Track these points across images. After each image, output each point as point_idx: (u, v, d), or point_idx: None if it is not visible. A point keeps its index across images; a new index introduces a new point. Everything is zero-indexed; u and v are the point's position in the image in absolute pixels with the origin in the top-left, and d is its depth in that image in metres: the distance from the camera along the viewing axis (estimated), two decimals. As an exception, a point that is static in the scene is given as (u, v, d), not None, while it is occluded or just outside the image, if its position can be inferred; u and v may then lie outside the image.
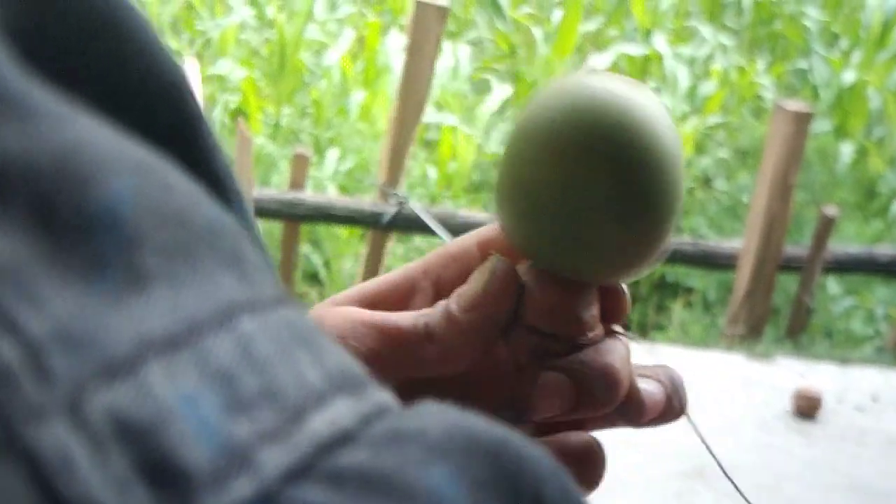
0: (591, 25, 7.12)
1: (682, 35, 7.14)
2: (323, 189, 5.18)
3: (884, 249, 3.80)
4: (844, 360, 2.71)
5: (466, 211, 3.90)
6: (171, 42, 6.05)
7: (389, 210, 3.33)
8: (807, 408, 2.34)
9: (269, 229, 4.25)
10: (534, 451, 0.20)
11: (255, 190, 3.25)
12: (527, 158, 0.37)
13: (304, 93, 6.19)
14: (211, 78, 5.94)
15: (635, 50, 6.38)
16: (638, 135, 0.36)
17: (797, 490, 2.11)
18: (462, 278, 0.43)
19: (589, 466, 0.41)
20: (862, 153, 6.03)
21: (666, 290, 5.57)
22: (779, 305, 4.01)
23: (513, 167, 0.38)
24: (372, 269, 3.49)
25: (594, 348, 0.40)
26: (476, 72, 6.62)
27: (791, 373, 2.52)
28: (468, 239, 0.45)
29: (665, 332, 4.92)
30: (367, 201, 3.51)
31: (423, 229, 3.38)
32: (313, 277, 5.01)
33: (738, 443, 2.23)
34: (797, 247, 3.66)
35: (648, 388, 0.42)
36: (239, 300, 0.19)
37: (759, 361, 2.62)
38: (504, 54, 6.52)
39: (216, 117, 5.57)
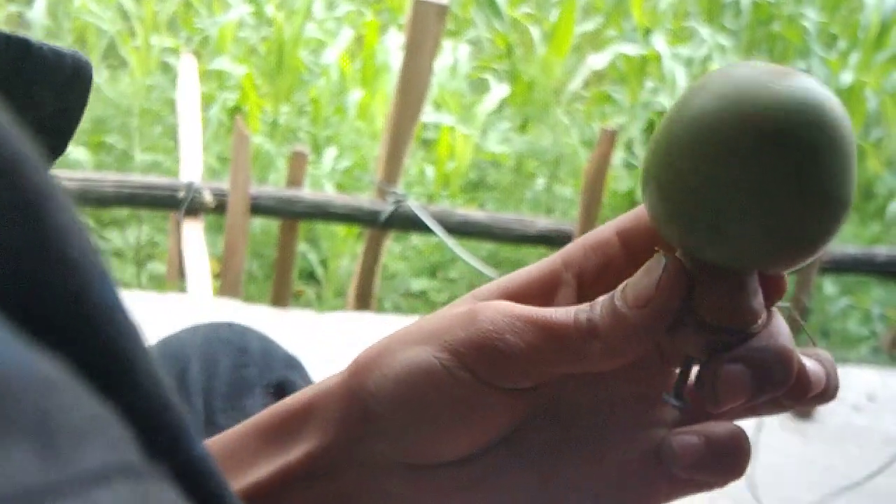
0: (589, 25, 7.12)
1: (681, 35, 7.14)
2: (321, 187, 5.18)
3: (881, 250, 3.81)
4: (841, 360, 2.71)
5: (464, 209, 3.90)
6: (169, 39, 6.05)
7: (387, 208, 3.33)
8: (802, 408, 2.34)
9: (267, 227, 4.25)
10: None
11: (252, 187, 3.25)
12: (690, 152, 0.37)
13: (303, 91, 6.19)
14: (209, 75, 5.94)
15: (633, 50, 6.38)
16: (819, 131, 0.35)
17: (793, 489, 2.11)
18: (604, 269, 0.43)
19: (734, 455, 0.42)
20: (859, 155, 6.03)
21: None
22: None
23: (671, 159, 0.37)
24: (369, 267, 3.49)
25: (766, 333, 0.40)
26: (474, 71, 6.62)
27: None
28: (606, 229, 0.45)
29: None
30: (365, 199, 3.51)
31: (421, 227, 3.38)
32: (311, 276, 5.01)
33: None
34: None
35: (811, 366, 0.42)
36: (34, 484, 0.16)
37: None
38: (502, 53, 6.52)
39: (214, 115, 5.57)
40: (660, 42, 6.44)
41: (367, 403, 0.42)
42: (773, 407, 0.44)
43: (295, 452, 0.42)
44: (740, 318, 0.40)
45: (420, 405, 0.41)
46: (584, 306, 0.41)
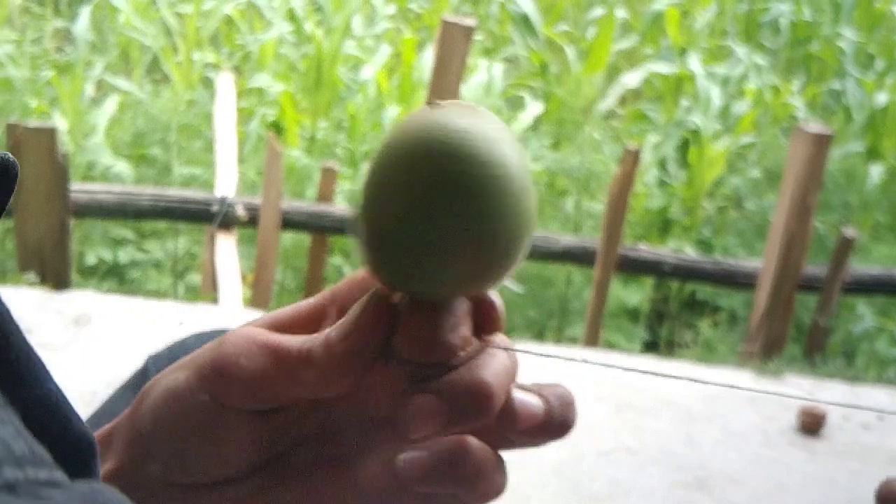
0: (625, 44, 7.18)
1: (717, 54, 7.18)
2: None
3: (903, 270, 3.83)
4: (854, 379, 2.75)
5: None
6: (211, 55, 6.18)
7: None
8: (811, 424, 2.38)
9: (300, 240, 4.34)
10: None
11: (284, 202, 3.34)
12: (375, 196, 0.39)
13: (340, 107, 6.29)
14: (249, 91, 6.06)
15: (667, 69, 6.43)
16: (482, 167, 0.37)
17: (795, 502, 2.16)
18: None
19: (457, 465, 0.41)
20: (893, 174, 6.03)
21: (695, 308, 5.61)
22: (803, 325, 4.04)
23: (364, 205, 0.39)
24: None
25: (466, 366, 0.41)
26: (509, 89, 6.69)
27: (799, 390, 2.57)
28: None
29: (690, 350, 4.95)
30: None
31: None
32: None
33: (740, 455, 2.28)
34: (819, 267, 3.69)
35: (526, 399, 0.43)
36: None
37: (768, 379, 2.66)
38: (536, 71, 6.59)
39: (253, 129, 5.68)
40: (694, 61, 6.48)
41: (139, 428, 0.44)
42: (508, 442, 0.43)
43: (101, 474, 0.44)
44: (434, 353, 0.41)
45: (173, 428, 0.43)
46: (314, 336, 0.43)
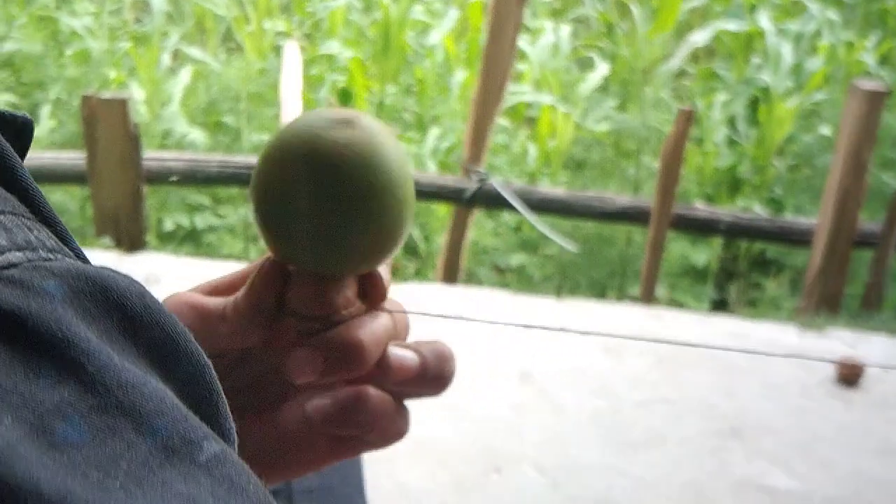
0: (695, 2, 7.14)
1: (790, 10, 7.09)
2: (424, 166, 5.37)
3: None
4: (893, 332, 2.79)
5: (546, 187, 4.05)
6: (282, 24, 6.31)
7: (471, 186, 3.50)
8: (849, 376, 2.43)
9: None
10: (123, 281, 0.31)
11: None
12: (265, 188, 0.44)
13: (409, 72, 6.38)
14: (319, 58, 6.19)
15: (736, 26, 6.39)
16: (358, 162, 0.43)
17: (829, 451, 2.22)
18: None
19: (354, 410, 0.47)
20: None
21: (764, 266, 5.63)
22: (861, 281, 4.04)
23: (256, 194, 0.45)
24: (456, 242, 3.67)
25: (345, 324, 0.46)
26: (577, 50, 6.72)
27: (841, 344, 2.61)
28: None
29: (756, 307, 4.98)
30: (450, 178, 3.69)
31: (505, 204, 3.54)
32: (413, 252, 5.21)
33: (777, 406, 2.35)
34: (876, 224, 3.69)
35: (401, 353, 0.48)
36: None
37: (812, 332, 2.71)
38: (604, 33, 6.61)
39: (323, 96, 5.81)
40: (764, 18, 6.42)
41: None
42: (407, 391, 0.49)
43: None
44: (318, 310, 0.46)
45: None
46: (230, 297, 0.49)
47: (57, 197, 4.36)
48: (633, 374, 2.41)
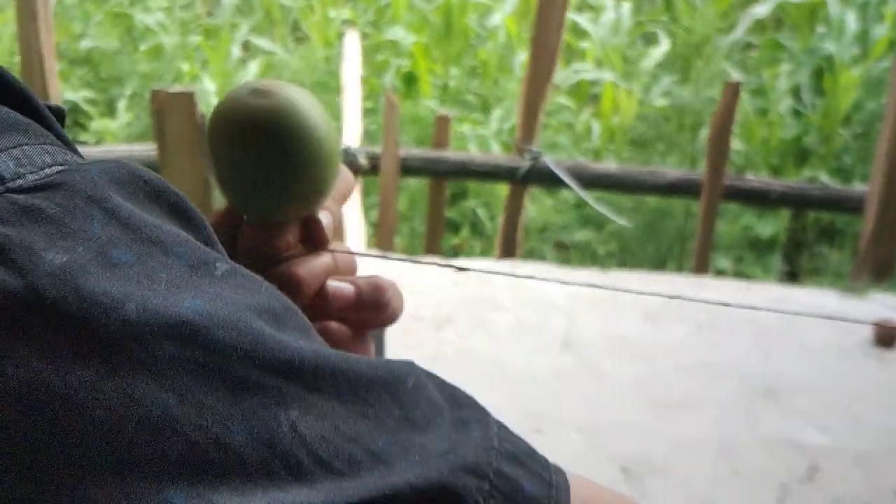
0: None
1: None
2: (488, 148, 5.48)
3: None
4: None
5: (598, 164, 4.14)
6: (347, 12, 6.46)
7: (524, 165, 3.61)
8: (885, 337, 2.50)
9: (418, 185, 4.59)
10: (142, 168, 0.40)
11: (401, 150, 3.60)
12: (214, 151, 0.51)
13: (472, 54, 6.49)
14: (384, 44, 6.33)
15: (797, -3, 6.38)
16: (269, 126, 0.50)
17: (863, 408, 2.29)
18: None
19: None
20: None
21: (832, 235, 5.65)
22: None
23: (212, 156, 0.51)
24: (512, 219, 3.79)
25: (287, 263, 0.53)
26: (640, 25, 6.76)
27: (882, 307, 2.68)
28: None
29: (822, 277, 5.01)
30: (503, 157, 3.81)
31: (558, 182, 3.64)
32: (481, 231, 5.34)
33: (813, 367, 2.43)
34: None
35: (339, 285, 0.55)
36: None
37: (852, 297, 2.78)
38: (662, 8, 6.64)
39: (388, 81, 5.95)
40: (827, -13, 6.41)
41: None
42: (360, 323, 0.56)
43: None
44: (261, 250, 0.53)
45: None
46: None
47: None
48: (673, 340, 2.51)
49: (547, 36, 3.50)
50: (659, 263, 4.71)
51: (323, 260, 0.55)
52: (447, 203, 5.30)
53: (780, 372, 2.40)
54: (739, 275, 4.90)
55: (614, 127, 6.08)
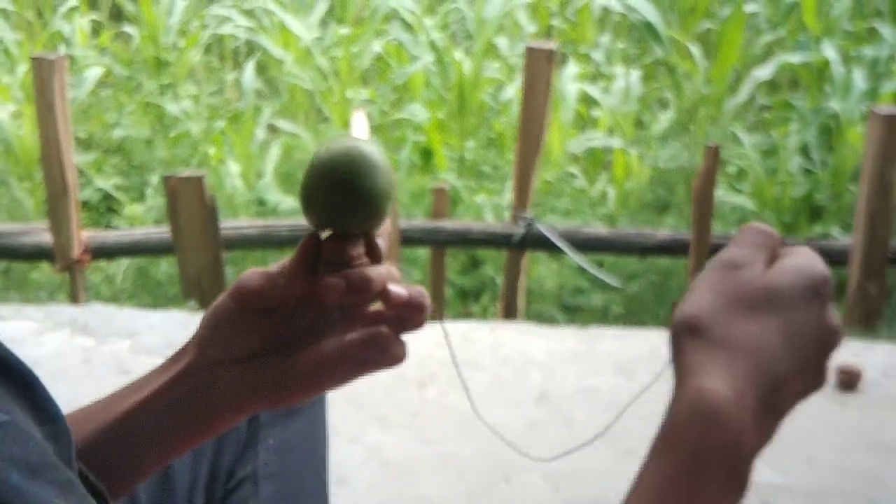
0: (767, 37, 7.33)
1: (864, 37, 7.19)
2: (502, 217, 5.67)
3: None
4: (897, 339, 2.95)
5: (592, 227, 4.31)
6: (365, 92, 6.73)
7: (519, 231, 3.79)
8: (847, 381, 2.63)
9: (417, 255, 4.76)
10: None
11: (401, 220, 3.79)
12: (306, 182, 0.71)
13: (487, 127, 6.72)
14: (400, 122, 6.58)
15: (799, 58, 6.55)
16: (352, 169, 0.70)
17: (816, 448, 2.41)
18: None
19: (373, 338, 0.73)
20: None
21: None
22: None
23: (303, 187, 0.72)
24: (511, 283, 3.96)
25: (359, 269, 0.72)
26: (650, 92, 6.96)
27: (846, 354, 2.80)
28: None
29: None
30: (499, 224, 3.99)
31: (553, 246, 3.82)
32: (491, 294, 5.50)
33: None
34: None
35: (395, 287, 0.73)
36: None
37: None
38: (667, 75, 6.84)
39: (405, 156, 6.18)
40: (828, 48, 6.56)
41: (200, 332, 0.76)
42: (401, 327, 0.74)
43: (185, 363, 0.76)
44: (340, 258, 0.72)
45: (216, 324, 0.75)
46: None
47: (149, 267, 4.81)
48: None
49: (534, 110, 3.70)
50: (665, 322, 4.83)
51: (382, 269, 0.73)
52: (465, 271, 5.48)
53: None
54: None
55: (628, 191, 6.24)
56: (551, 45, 3.76)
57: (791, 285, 0.65)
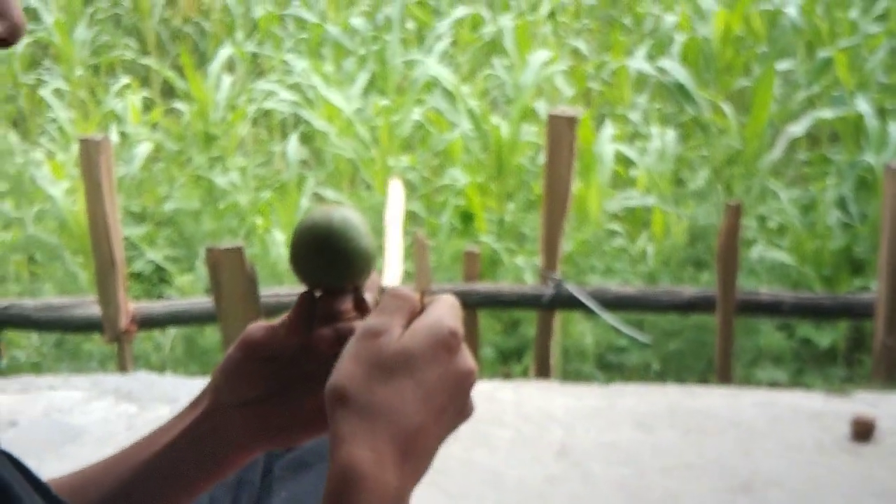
0: (803, 92, 7.42)
1: (898, 91, 7.26)
2: (538, 277, 5.77)
3: None
4: (918, 391, 3.01)
5: (618, 286, 4.40)
6: (406, 159, 6.91)
7: (548, 291, 3.90)
8: (861, 432, 2.69)
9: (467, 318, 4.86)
10: None
11: (434, 284, 3.92)
12: (294, 249, 0.81)
13: (526, 189, 6.85)
14: (443, 188, 6.74)
15: (832, 113, 6.62)
16: (333, 233, 0.78)
17: (832, 497, 2.48)
18: None
19: None
20: None
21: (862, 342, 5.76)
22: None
23: (291, 254, 0.81)
24: (544, 342, 4.06)
25: (349, 321, 0.80)
26: (685, 151, 7.07)
27: (864, 406, 2.87)
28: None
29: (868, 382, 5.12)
30: (529, 286, 4.10)
31: (583, 306, 3.92)
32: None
33: (790, 462, 2.62)
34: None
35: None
36: None
37: (837, 396, 2.98)
38: (701, 133, 6.94)
39: (445, 220, 6.33)
40: (861, 102, 6.63)
41: (215, 380, 0.85)
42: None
43: (203, 408, 0.85)
44: (331, 310, 0.80)
45: (227, 372, 0.85)
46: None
47: (196, 336, 4.97)
48: (661, 445, 2.74)
49: (558, 172, 3.83)
50: (702, 378, 4.90)
51: (361, 323, 0.80)
52: (505, 332, 5.59)
53: (758, 468, 2.61)
54: (800, 385, 5.04)
55: (667, 249, 6.32)
56: (573, 111, 3.89)
57: (421, 345, 0.73)
